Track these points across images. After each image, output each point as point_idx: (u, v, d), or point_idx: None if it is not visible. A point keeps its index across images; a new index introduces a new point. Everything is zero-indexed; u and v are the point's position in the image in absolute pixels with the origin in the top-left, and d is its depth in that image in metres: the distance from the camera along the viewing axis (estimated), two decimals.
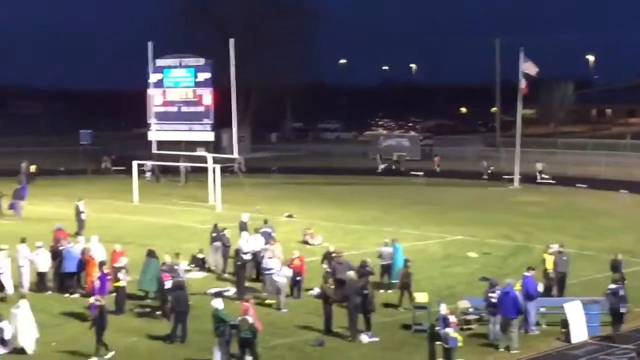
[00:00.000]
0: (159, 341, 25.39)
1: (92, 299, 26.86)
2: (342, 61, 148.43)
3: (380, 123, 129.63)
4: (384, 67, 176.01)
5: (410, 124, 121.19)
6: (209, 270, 34.38)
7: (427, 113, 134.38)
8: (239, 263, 31.17)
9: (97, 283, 28.02)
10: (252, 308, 23.96)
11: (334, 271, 29.22)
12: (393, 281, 30.93)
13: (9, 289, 30.26)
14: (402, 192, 61.50)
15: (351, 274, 27.36)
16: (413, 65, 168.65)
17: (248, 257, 31.88)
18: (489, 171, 69.19)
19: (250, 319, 22.95)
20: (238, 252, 31.92)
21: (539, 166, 67.54)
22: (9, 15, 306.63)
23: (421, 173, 70.70)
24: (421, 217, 48.99)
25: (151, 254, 30.91)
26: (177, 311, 25.79)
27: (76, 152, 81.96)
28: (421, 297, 27.21)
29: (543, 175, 66.82)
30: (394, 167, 77.76)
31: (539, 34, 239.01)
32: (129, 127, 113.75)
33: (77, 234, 39.78)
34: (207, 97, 54.52)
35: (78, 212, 43.01)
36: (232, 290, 30.34)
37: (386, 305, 28.89)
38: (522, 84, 61.99)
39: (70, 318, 27.72)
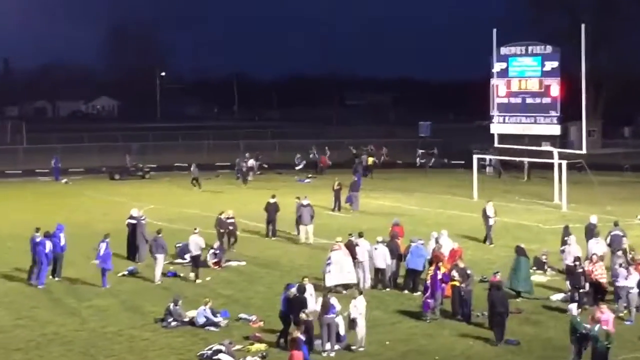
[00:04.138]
0: (496, 346, 25.23)
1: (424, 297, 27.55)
2: None
3: None
4: None
5: None
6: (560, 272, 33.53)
7: None
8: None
9: (427, 281, 28.32)
10: (610, 315, 23.60)
11: None
12: None
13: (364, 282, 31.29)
14: None
15: None
16: None
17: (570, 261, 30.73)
18: None
19: (609, 330, 22.40)
20: (565, 255, 31.00)
21: None
22: (348, 12, 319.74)
23: None
24: None
25: (520, 251, 30.49)
26: (493, 312, 25.53)
27: (415, 145, 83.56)
28: None
29: None
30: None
31: None
32: (472, 119, 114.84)
33: (485, 240, 40.01)
34: (555, 87, 53.45)
35: (485, 216, 40.69)
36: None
37: None
38: None
39: (405, 317, 28.22)
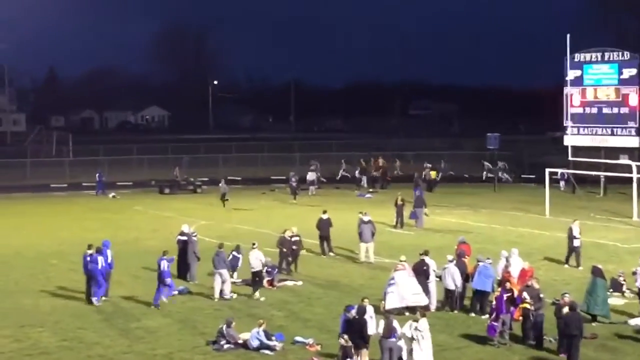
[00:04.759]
0: None
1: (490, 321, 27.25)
2: None
3: None
4: None
5: None
6: None
7: None
8: None
9: (493, 303, 28.06)
10: None
11: None
12: None
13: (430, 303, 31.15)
14: None
15: None
16: None
17: None
18: None
19: None
20: (637, 277, 30.54)
21: None
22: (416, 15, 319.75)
23: None
24: None
25: (597, 272, 30.03)
26: (566, 334, 25.18)
27: (484, 158, 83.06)
28: None
29: None
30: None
31: None
32: (544, 130, 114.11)
33: (566, 262, 39.23)
34: (633, 96, 53.03)
35: (570, 236, 39.32)
36: None
37: None
38: None
39: (472, 341, 27.95)
